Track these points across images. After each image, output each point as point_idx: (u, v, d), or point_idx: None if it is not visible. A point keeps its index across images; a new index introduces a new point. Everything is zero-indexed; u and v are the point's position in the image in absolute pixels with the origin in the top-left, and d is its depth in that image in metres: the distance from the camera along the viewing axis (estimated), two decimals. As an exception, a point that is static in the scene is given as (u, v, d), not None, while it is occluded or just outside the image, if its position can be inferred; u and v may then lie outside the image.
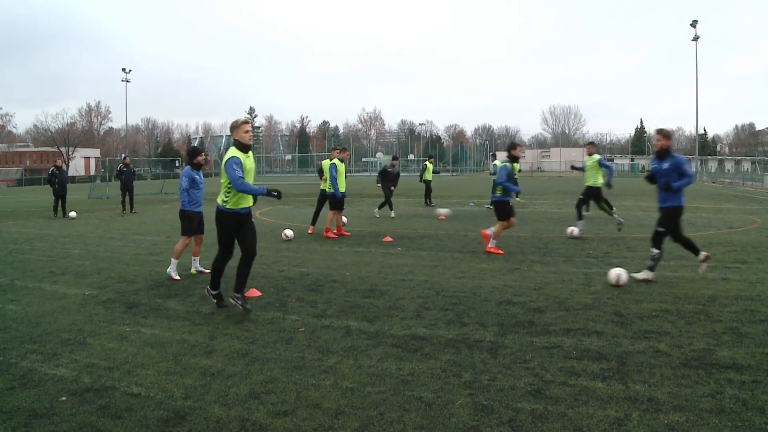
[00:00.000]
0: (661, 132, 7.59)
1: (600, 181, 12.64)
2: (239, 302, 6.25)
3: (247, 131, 6.06)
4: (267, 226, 15.25)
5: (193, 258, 8.67)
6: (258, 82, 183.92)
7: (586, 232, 12.62)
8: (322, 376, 4.37)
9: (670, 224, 7.48)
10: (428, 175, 22.16)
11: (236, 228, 6.20)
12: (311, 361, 4.68)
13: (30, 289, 7.56)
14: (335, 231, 12.84)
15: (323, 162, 13.33)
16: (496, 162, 20.98)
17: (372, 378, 4.31)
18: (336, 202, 12.59)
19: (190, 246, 8.68)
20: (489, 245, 10.16)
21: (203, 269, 8.66)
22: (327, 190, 12.84)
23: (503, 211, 10.15)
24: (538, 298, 6.68)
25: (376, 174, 21.01)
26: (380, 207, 17.60)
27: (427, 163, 22.47)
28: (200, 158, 8.52)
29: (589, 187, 12.80)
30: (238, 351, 4.97)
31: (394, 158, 18.69)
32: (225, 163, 5.94)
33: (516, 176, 10.32)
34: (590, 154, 13.22)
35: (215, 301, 6.46)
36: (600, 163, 12.76)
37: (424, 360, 4.68)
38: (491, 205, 16.25)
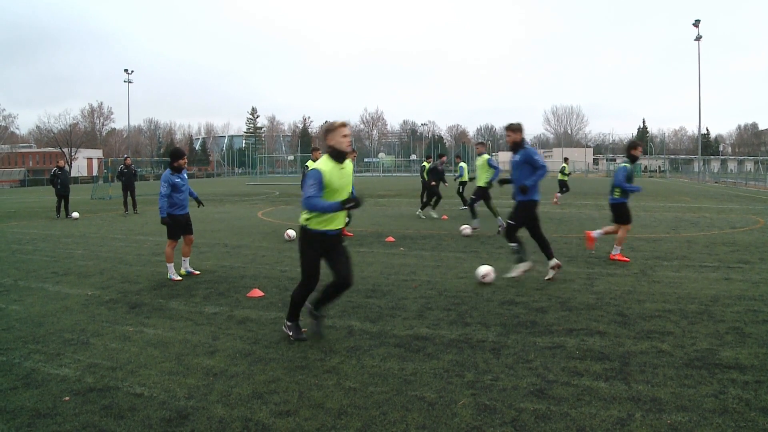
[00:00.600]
0: (509, 127, 7.66)
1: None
2: (315, 323, 5.39)
3: (345, 135, 5.00)
4: (269, 226, 15.27)
5: (183, 259, 8.58)
6: (260, 82, 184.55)
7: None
8: (325, 376, 4.37)
9: (521, 218, 7.54)
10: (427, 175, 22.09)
11: (323, 251, 5.15)
12: (314, 361, 4.69)
13: (33, 290, 7.57)
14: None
15: (308, 163, 13.21)
16: (462, 164, 20.56)
17: (375, 378, 4.31)
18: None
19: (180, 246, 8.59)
20: (613, 252, 9.28)
21: (192, 270, 8.57)
22: None
23: (623, 213, 9.37)
24: (541, 298, 6.67)
25: (419, 173, 20.99)
26: (434, 207, 17.41)
27: (425, 163, 22.41)
28: (181, 162, 8.32)
29: (479, 187, 13.05)
30: (241, 351, 4.98)
31: (441, 155, 18.22)
32: (305, 175, 5.12)
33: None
34: (479, 154, 13.42)
35: (290, 333, 5.33)
36: (489, 163, 12.96)
37: (426, 360, 4.67)
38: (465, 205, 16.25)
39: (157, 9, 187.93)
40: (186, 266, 8.54)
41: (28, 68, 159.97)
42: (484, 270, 7.55)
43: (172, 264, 8.21)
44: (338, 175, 5.00)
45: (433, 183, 16.89)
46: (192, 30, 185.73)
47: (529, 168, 7.41)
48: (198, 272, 8.55)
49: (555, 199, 23.40)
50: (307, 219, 5.05)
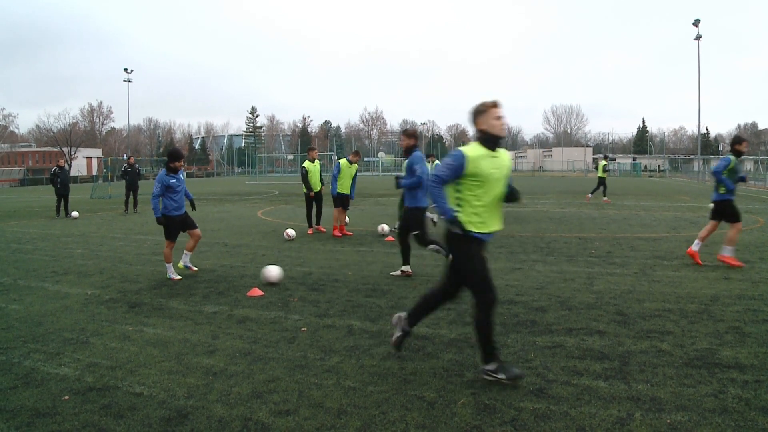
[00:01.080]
0: (404, 133, 8.10)
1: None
2: (499, 374, 4.13)
3: (498, 117, 4.19)
4: (269, 225, 15.27)
5: (185, 252, 8.53)
6: (260, 82, 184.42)
7: (589, 231, 12.64)
8: (325, 375, 4.37)
9: (416, 224, 7.82)
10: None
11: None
12: (313, 361, 4.69)
13: (33, 289, 7.57)
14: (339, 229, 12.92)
15: (305, 163, 13.24)
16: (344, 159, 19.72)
17: (374, 377, 4.31)
18: (337, 200, 12.57)
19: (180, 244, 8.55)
20: (723, 253, 8.70)
21: (191, 266, 8.55)
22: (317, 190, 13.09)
23: (730, 211, 8.84)
24: (541, 298, 6.67)
25: None
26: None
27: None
28: (178, 164, 8.16)
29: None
30: (241, 350, 4.97)
31: None
32: (444, 158, 4.47)
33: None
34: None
35: (399, 334, 4.68)
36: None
37: (426, 359, 4.67)
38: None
39: (157, 9, 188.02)
40: (185, 260, 8.48)
41: (30, 68, 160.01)
42: (269, 271, 7.50)
43: (171, 264, 8.16)
44: (490, 164, 4.15)
45: None
46: (192, 29, 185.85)
47: (411, 174, 7.78)
48: (195, 269, 8.53)
49: (603, 199, 22.87)
50: (469, 221, 4.16)
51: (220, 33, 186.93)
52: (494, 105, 4.20)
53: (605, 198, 23.19)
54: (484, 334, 4.15)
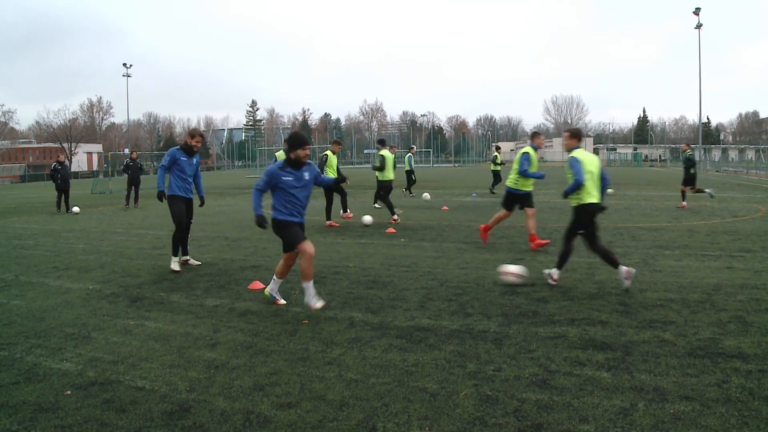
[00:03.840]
0: (199, 133, 8.66)
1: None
2: None
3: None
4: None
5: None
6: (260, 75, 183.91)
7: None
8: (326, 367, 4.37)
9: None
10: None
11: None
12: (315, 353, 4.68)
13: (34, 284, 7.56)
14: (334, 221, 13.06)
15: (327, 152, 13.32)
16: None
17: (376, 369, 4.30)
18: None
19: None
20: None
21: (191, 259, 8.61)
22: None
23: None
24: (542, 288, 6.66)
25: (492, 161, 24.27)
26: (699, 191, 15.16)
27: (497, 153, 25.73)
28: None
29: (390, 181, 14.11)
30: (242, 343, 4.97)
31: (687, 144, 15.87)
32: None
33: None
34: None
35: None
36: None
37: (428, 351, 4.66)
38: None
39: (157, 3, 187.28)
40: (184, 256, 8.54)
41: (32, 64, 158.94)
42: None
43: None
44: None
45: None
46: (192, 24, 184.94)
47: (198, 171, 8.52)
48: (199, 262, 8.59)
49: None
50: None
51: (220, 27, 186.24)
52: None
53: None
54: None
